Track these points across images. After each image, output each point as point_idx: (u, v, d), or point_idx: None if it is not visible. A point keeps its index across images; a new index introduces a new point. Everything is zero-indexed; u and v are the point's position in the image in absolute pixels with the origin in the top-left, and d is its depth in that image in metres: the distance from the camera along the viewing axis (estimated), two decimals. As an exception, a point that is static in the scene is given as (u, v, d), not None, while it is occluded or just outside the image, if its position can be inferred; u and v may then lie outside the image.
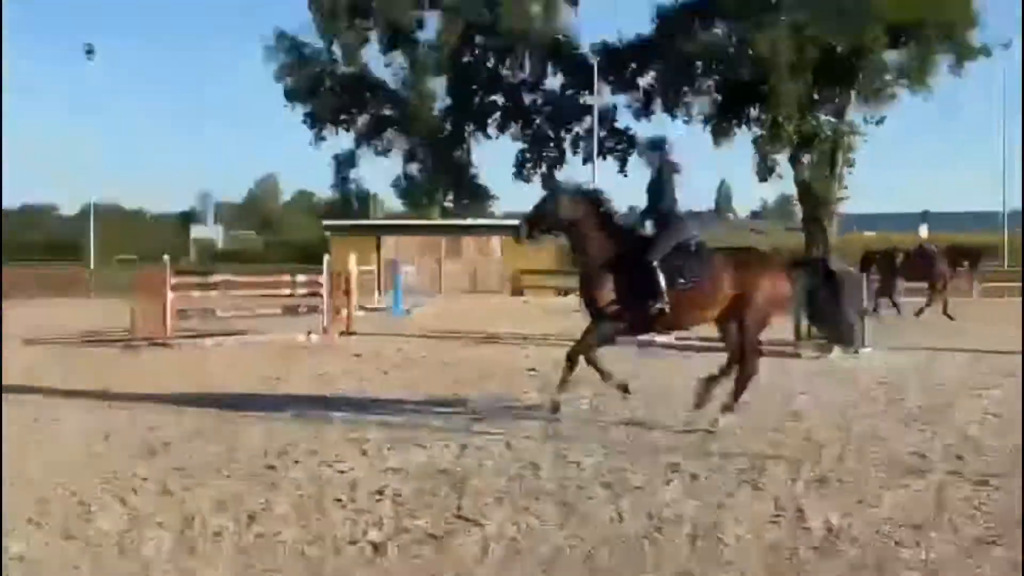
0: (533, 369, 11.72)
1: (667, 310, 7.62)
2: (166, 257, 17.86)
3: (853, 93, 44.79)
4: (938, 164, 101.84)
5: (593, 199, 8.31)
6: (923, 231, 20.69)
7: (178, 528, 5.15)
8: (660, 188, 8.18)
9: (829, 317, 8.58)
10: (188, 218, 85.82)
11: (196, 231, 79.03)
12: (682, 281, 7.65)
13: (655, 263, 7.61)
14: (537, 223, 8.37)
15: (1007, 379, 10.41)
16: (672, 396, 9.26)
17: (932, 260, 19.61)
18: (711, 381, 8.04)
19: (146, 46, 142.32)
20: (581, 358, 8.08)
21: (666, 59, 47.07)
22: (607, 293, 7.84)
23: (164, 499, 5.77)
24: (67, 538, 5.03)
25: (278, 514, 5.39)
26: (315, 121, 51.60)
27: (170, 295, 15.88)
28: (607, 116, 50.59)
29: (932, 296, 19.33)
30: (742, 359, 7.97)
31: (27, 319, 20.91)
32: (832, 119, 45.23)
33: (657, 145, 8.60)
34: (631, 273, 7.73)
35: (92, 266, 38.68)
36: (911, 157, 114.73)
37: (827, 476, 6.04)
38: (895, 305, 19.19)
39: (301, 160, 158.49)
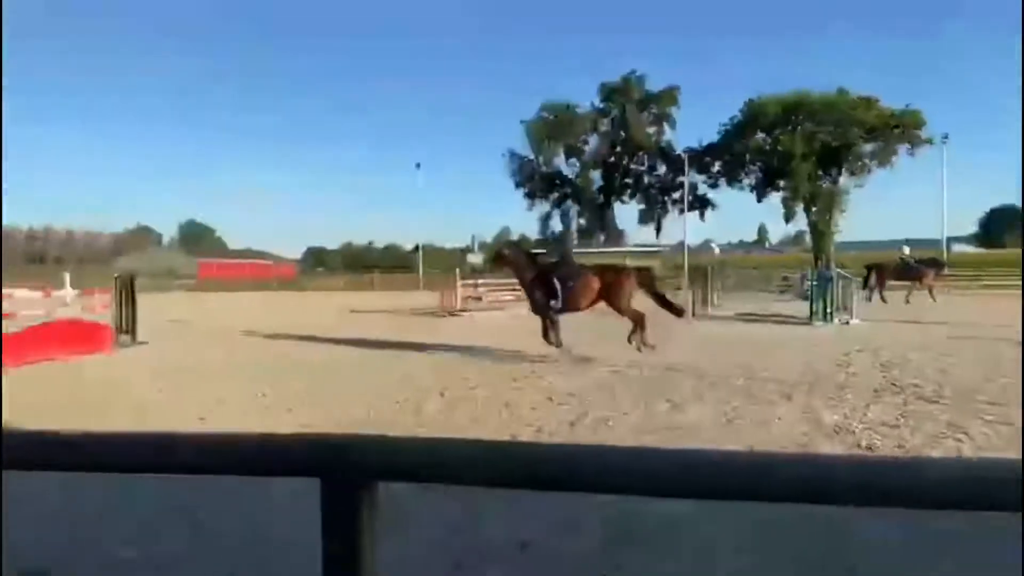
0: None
1: (560, 304, 8.23)
2: (457, 271, 18.74)
3: (843, 169, 41.92)
4: (900, 209, 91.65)
5: (522, 248, 9.08)
6: (906, 249, 18.68)
7: (471, 414, 5.45)
8: (562, 243, 8.60)
9: (661, 301, 8.66)
10: (465, 250, 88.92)
11: (469, 257, 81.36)
12: (569, 284, 8.20)
13: (554, 279, 8.22)
14: (496, 260, 9.08)
15: (951, 340, 9.32)
16: (737, 345, 8.90)
17: (916, 268, 17.73)
18: (632, 334, 8.26)
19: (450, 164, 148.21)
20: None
21: (728, 154, 45.40)
22: (536, 296, 8.46)
23: (463, 395, 6.09)
24: (413, 413, 5.42)
25: (519, 404, 5.60)
26: (529, 197, 52.61)
27: (459, 289, 16.68)
28: (693, 188, 48.79)
29: (912, 290, 17.41)
30: (629, 317, 8.28)
31: (386, 302, 22.46)
32: (830, 185, 42.60)
33: (565, 213, 9.00)
34: (544, 285, 8.32)
35: (420, 274, 40.79)
36: (883, 205, 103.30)
37: (834, 395, 5.66)
38: (882, 296, 17.34)
39: (522, 218, 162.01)
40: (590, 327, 9.01)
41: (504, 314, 16.22)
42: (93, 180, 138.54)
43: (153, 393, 6.46)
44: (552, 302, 8.21)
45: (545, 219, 53.59)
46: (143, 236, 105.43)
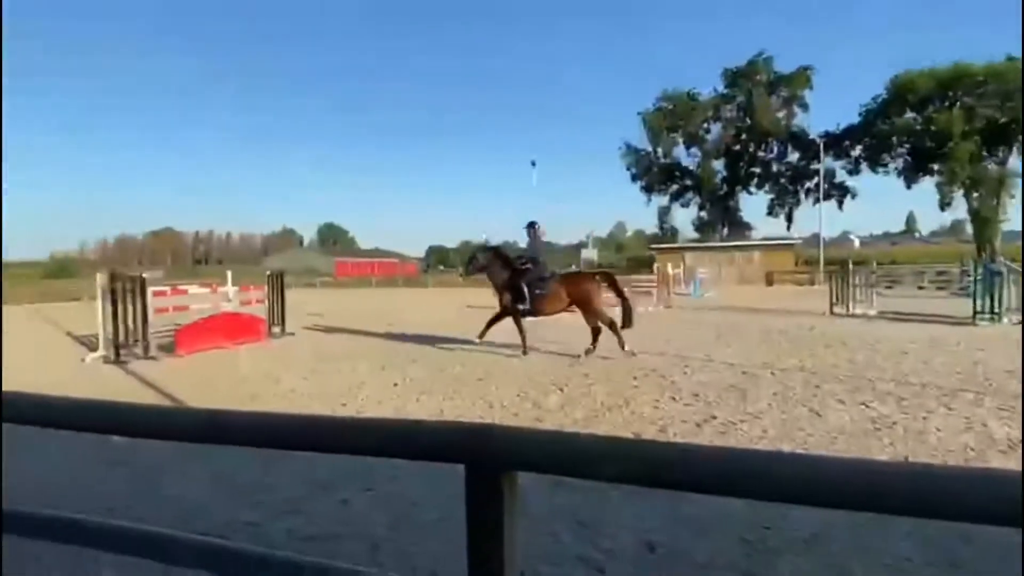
0: (784, 331, 10.75)
1: (529, 308, 8.48)
2: (572, 267, 18.74)
3: (1014, 148, 36.31)
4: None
5: (497, 252, 9.10)
6: None
7: (589, 405, 5.43)
8: (533, 247, 8.81)
9: (624, 304, 8.48)
10: (579, 247, 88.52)
11: (583, 253, 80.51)
12: (538, 292, 8.42)
13: (523, 284, 8.48)
14: (471, 264, 9.05)
15: None
16: (883, 347, 8.10)
17: None
18: (593, 340, 8.45)
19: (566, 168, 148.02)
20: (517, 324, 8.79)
21: (869, 137, 41.29)
22: (505, 298, 8.70)
23: (580, 390, 6.09)
24: (534, 406, 5.50)
25: (640, 402, 5.49)
26: (646, 190, 51.29)
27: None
28: (829, 175, 44.95)
29: None
30: (604, 323, 8.37)
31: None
32: (997, 167, 37.12)
33: (532, 225, 8.83)
34: (514, 289, 8.57)
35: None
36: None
37: (1006, 406, 4.97)
38: None
39: (638, 212, 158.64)
40: (711, 327, 8.60)
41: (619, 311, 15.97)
42: (245, 188, 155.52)
43: (299, 380, 7.11)
44: (520, 305, 8.55)
45: (664, 211, 52.17)
46: (288, 238, 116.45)
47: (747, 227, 50.83)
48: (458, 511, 1.24)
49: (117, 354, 8.89)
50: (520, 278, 8.61)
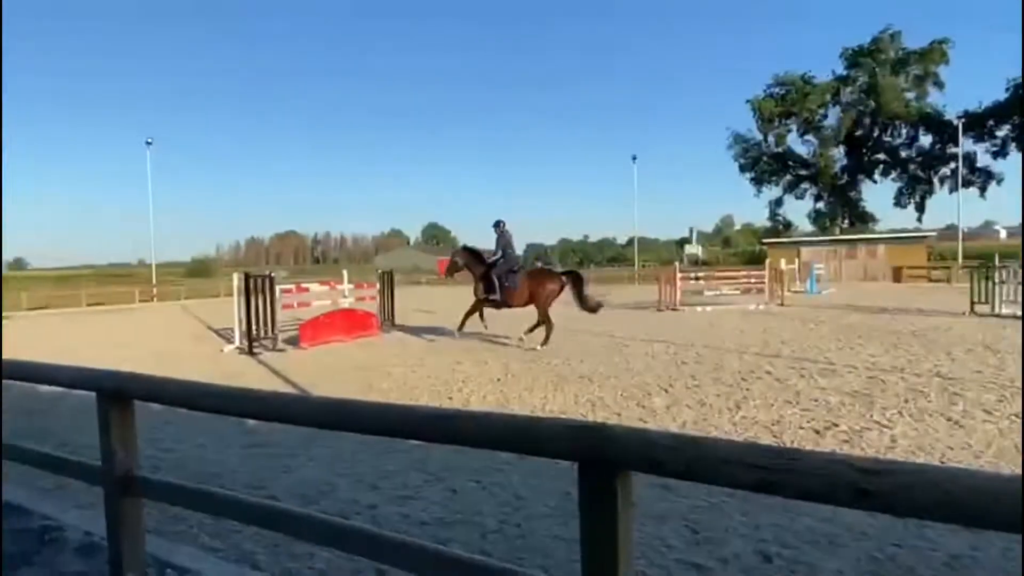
0: (915, 332, 9.77)
1: (499, 299, 9.51)
2: (676, 264, 18.15)
3: None
4: None
5: (473, 251, 10.22)
6: None
7: (697, 408, 5.26)
8: (500, 243, 9.65)
9: (578, 296, 9.53)
10: (682, 241, 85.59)
11: (687, 248, 77.72)
12: (507, 284, 9.46)
13: (495, 277, 9.53)
14: (453, 264, 10.16)
15: None
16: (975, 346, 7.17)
17: None
18: (530, 330, 9.44)
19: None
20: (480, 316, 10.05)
21: (1020, 114, 36.36)
22: (480, 290, 9.73)
23: (687, 391, 5.90)
24: (638, 406, 5.39)
25: (752, 405, 5.24)
26: (756, 182, 48.47)
27: (679, 283, 16.08)
28: (969, 159, 40.25)
29: None
30: (542, 318, 9.32)
31: (600, 297, 22.57)
32: None
33: (498, 223, 9.71)
34: (487, 281, 9.60)
35: (636, 268, 40.26)
36: None
37: None
38: None
39: (747, 205, 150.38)
40: (830, 327, 8.00)
41: (730, 309, 15.25)
42: (354, 192, 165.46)
43: (409, 372, 7.46)
44: (492, 296, 9.56)
45: (776, 203, 49.13)
46: (395, 238, 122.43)
47: (871, 219, 46.72)
48: (564, 507, 1.26)
49: (250, 346, 9.77)
50: (493, 271, 9.66)
